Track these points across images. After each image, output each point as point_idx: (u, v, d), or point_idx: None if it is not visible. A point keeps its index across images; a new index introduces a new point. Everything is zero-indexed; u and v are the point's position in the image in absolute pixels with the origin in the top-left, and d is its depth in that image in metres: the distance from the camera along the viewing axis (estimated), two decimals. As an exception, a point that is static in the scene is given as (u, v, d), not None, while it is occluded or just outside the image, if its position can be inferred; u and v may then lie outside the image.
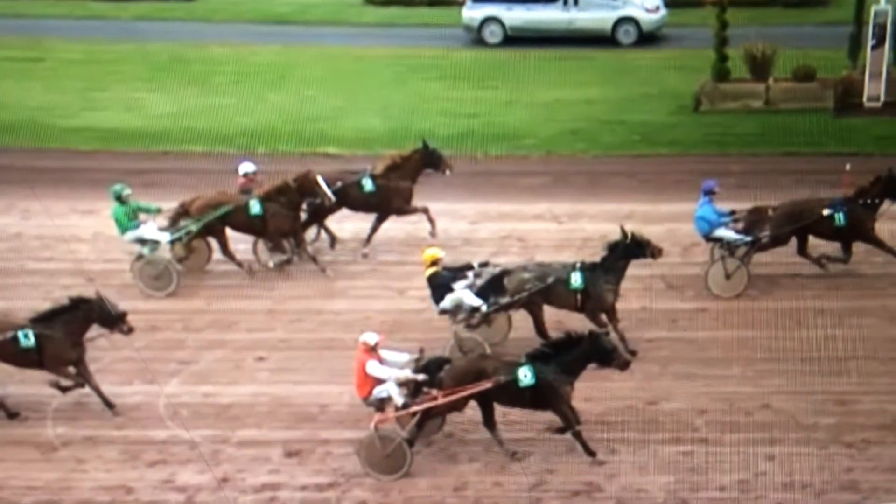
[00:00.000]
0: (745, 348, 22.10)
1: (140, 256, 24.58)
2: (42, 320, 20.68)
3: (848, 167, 27.14)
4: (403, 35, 41.99)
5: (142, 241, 24.52)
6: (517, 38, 40.57)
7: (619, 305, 22.22)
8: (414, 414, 19.12)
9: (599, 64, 38.51)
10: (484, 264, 22.37)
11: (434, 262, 21.83)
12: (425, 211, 25.86)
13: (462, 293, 21.66)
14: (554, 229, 26.01)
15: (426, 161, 25.75)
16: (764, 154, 30.99)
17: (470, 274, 22.01)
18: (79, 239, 27.18)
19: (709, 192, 23.84)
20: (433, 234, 25.65)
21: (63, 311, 20.76)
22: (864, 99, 33.52)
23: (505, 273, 22.02)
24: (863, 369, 20.11)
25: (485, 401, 19.23)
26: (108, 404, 20.80)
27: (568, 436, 19.22)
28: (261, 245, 25.62)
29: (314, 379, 21.58)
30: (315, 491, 19.01)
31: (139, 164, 30.61)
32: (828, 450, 19.31)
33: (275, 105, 35.26)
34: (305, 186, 24.67)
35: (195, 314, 23.94)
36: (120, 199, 24.34)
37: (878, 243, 23.97)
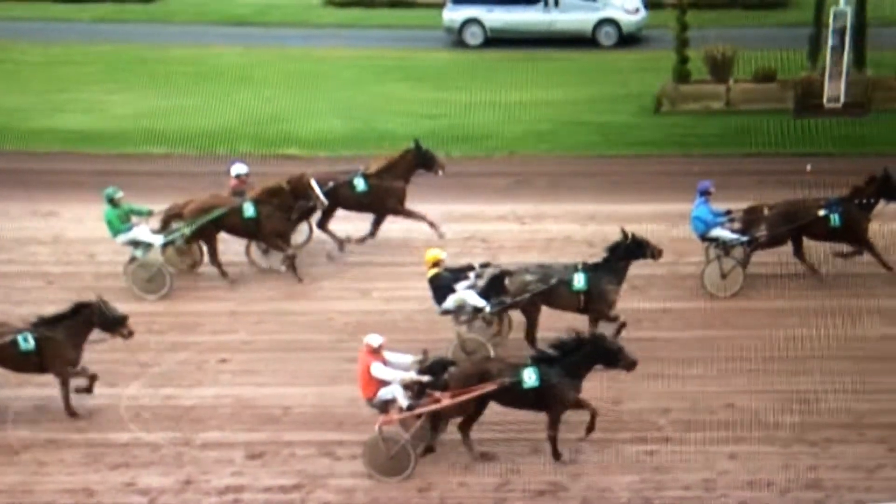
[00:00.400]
0: (709, 348, 22.18)
1: (133, 259, 24.54)
2: (44, 324, 20.64)
3: (809, 168, 27.37)
4: (364, 36, 41.95)
5: (134, 244, 24.48)
6: (498, 40, 40.72)
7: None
8: (418, 416, 19.10)
9: (562, 66, 38.53)
10: (485, 265, 22.44)
11: (436, 264, 21.87)
12: (423, 218, 25.95)
13: (465, 294, 21.70)
14: (517, 230, 26.05)
15: (419, 161, 25.79)
16: (725, 155, 31.01)
17: (471, 275, 22.05)
18: (38, 241, 27.00)
19: (704, 193, 23.94)
20: (440, 234, 25.74)
21: (65, 316, 20.73)
22: (825, 100, 33.66)
23: (506, 274, 22.07)
24: (825, 368, 20.24)
25: (481, 403, 19.21)
26: (71, 412, 20.70)
27: (543, 435, 19.28)
28: (253, 247, 25.60)
29: (277, 381, 21.51)
30: (279, 493, 18.97)
31: (99, 166, 30.38)
32: (791, 448, 19.40)
33: (236, 106, 35.08)
34: (298, 189, 24.67)
35: (158, 316, 23.75)
36: (112, 201, 24.28)
37: (868, 246, 24.02)
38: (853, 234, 23.96)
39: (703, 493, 18.64)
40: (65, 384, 20.71)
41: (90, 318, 20.70)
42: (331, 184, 25.24)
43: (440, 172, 25.87)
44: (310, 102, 35.10)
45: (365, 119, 33.56)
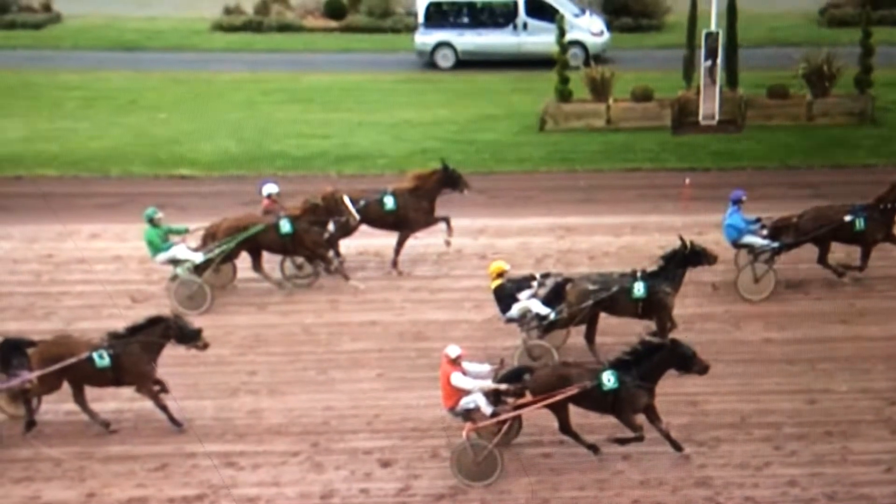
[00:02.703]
0: (598, 354, 22.55)
1: (175, 277, 24.73)
2: (119, 338, 20.73)
3: (687, 181, 28.14)
4: (253, 60, 42.10)
5: (174, 262, 24.69)
6: (468, 62, 41.37)
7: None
8: (502, 422, 19.49)
9: (443, 86, 39.28)
10: (546, 275, 22.85)
11: (500, 274, 22.22)
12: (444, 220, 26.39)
13: (529, 302, 22.08)
14: (410, 245, 26.39)
15: (445, 181, 26.18)
16: (608, 170, 31.84)
17: (534, 284, 22.46)
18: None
19: (737, 202, 24.61)
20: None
21: (139, 330, 20.81)
22: (700, 117, 34.54)
23: (567, 282, 22.50)
24: (711, 371, 20.70)
25: (562, 406, 19.64)
26: (175, 422, 20.87)
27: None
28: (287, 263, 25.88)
29: (178, 394, 21.37)
30: (182, 503, 19.13)
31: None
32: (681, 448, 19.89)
33: (127, 129, 35.13)
34: (332, 205, 25.00)
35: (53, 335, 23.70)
36: (152, 221, 24.53)
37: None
38: (879, 237, 24.89)
39: (597, 492, 19.12)
40: (154, 397, 20.86)
41: (166, 332, 20.81)
42: (362, 202, 25.58)
43: (466, 192, 26.30)
44: (201, 124, 34.94)
45: (257, 140, 33.58)
